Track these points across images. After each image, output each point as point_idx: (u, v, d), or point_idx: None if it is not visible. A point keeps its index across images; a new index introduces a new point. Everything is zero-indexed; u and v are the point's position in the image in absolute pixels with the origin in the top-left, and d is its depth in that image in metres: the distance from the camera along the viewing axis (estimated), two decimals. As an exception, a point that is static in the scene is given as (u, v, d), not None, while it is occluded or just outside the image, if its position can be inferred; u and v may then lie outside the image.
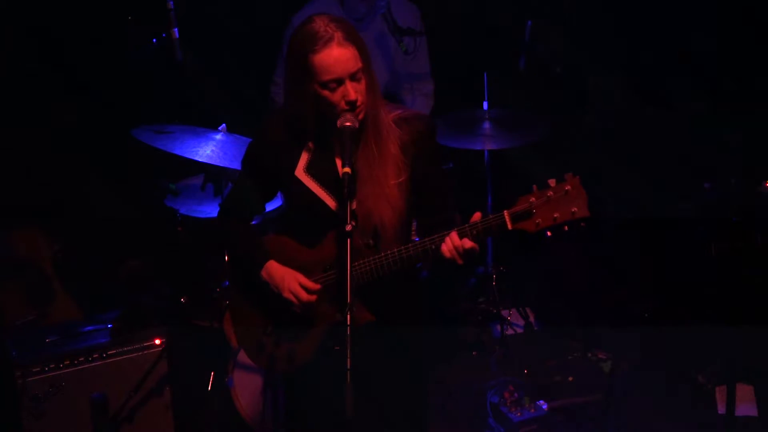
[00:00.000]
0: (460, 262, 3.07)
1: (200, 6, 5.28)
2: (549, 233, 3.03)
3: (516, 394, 4.76)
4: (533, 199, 3.01)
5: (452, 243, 3.06)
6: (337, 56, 3.05)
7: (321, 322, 3.27)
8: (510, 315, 5.41)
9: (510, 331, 5.34)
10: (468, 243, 3.05)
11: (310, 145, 3.25)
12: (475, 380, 5.03)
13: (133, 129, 4.39)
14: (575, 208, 2.99)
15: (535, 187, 3.02)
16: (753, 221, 4.67)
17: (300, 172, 3.25)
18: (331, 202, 3.23)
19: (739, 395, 4.57)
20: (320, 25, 3.07)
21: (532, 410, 4.69)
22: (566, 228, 3.02)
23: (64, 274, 5.20)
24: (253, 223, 3.56)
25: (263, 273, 3.27)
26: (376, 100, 3.18)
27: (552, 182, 3.01)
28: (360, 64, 3.09)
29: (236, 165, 4.34)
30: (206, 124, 4.56)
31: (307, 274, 3.25)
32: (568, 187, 2.99)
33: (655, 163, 5.48)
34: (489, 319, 5.35)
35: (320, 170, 3.24)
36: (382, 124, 3.18)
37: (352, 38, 3.08)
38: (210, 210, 4.83)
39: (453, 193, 3.31)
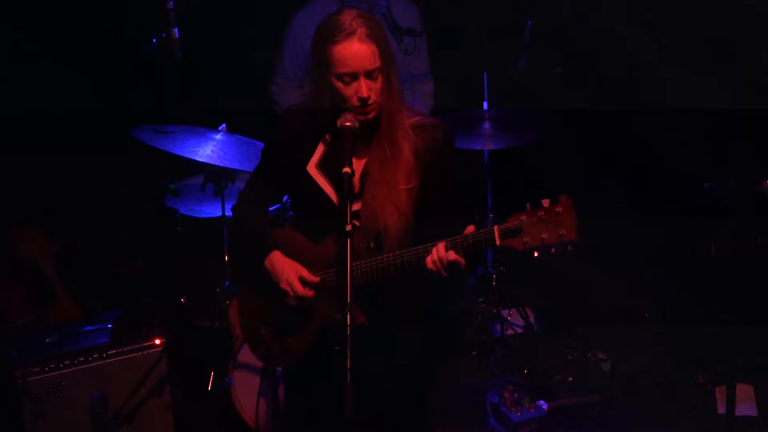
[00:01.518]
0: (444, 274, 3.07)
1: (200, 6, 5.28)
2: (536, 253, 3.05)
3: (516, 394, 4.76)
4: (524, 217, 3.02)
5: (437, 254, 3.06)
6: (355, 51, 3.05)
7: (317, 320, 3.28)
8: (510, 315, 5.41)
9: (510, 331, 5.34)
10: (452, 255, 3.05)
11: (326, 140, 3.26)
12: (475, 380, 5.03)
13: (133, 129, 4.39)
14: (563, 231, 3.01)
15: (528, 205, 3.04)
16: (753, 221, 4.67)
17: (311, 167, 3.26)
18: (337, 200, 3.23)
19: (739, 395, 4.57)
20: (347, 17, 3.08)
21: (532, 410, 4.69)
22: (553, 250, 3.04)
23: (64, 274, 5.20)
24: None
25: (266, 263, 3.29)
26: (393, 103, 3.17)
27: (545, 202, 3.02)
28: (378, 64, 3.08)
29: (236, 165, 4.35)
30: (206, 124, 4.56)
31: (310, 270, 3.26)
32: (559, 209, 3.01)
33: (654, 162, 5.48)
34: (489, 319, 5.35)
35: (331, 167, 3.24)
36: (397, 128, 3.18)
37: (376, 37, 3.08)
38: (210, 210, 4.83)
39: (460, 205, 3.30)
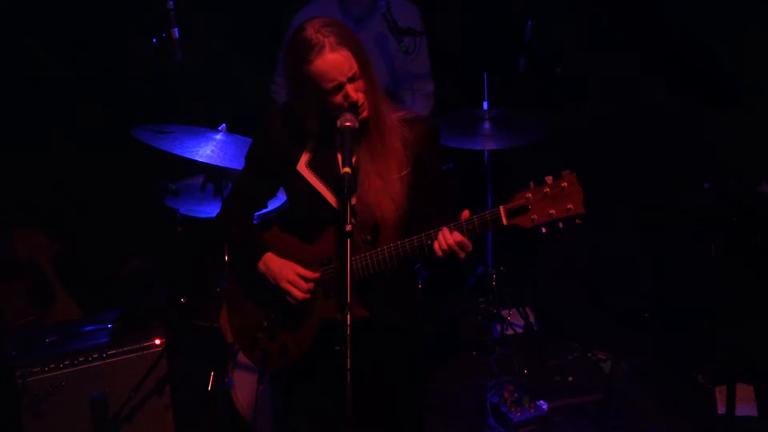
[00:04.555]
0: (460, 255, 3.06)
1: (200, 6, 5.28)
2: (544, 229, 3.04)
3: (516, 394, 4.76)
4: (529, 195, 3.02)
5: (444, 239, 3.06)
6: (331, 62, 3.05)
7: (315, 318, 3.28)
8: (510, 315, 5.41)
9: (510, 331, 5.34)
10: (458, 236, 3.05)
11: (315, 140, 3.26)
12: (475, 380, 5.03)
13: (133, 129, 4.39)
14: (571, 205, 3.00)
15: (532, 183, 3.04)
16: (753, 221, 4.66)
17: (302, 167, 3.27)
18: (331, 198, 3.24)
19: (739, 395, 4.57)
20: (311, 32, 3.07)
21: (532, 410, 4.69)
22: (561, 225, 3.03)
23: (64, 274, 5.20)
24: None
25: (261, 265, 3.29)
26: (378, 97, 3.19)
27: (549, 179, 3.03)
28: (355, 68, 3.09)
29: (236, 165, 4.35)
30: (206, 124, 4.56)
31: (305, 268, 3.25)
32: (564, 184, 3.00)
33: (654, 162, 5.48)
34: (489, 319, 5.35)
35: (322, 166, 3.25)
36: (385, 119, 3.20)
37: (345, 41, 3.08)
38: (210, 210, 4.83)
39: (453, 194, 3.32)
